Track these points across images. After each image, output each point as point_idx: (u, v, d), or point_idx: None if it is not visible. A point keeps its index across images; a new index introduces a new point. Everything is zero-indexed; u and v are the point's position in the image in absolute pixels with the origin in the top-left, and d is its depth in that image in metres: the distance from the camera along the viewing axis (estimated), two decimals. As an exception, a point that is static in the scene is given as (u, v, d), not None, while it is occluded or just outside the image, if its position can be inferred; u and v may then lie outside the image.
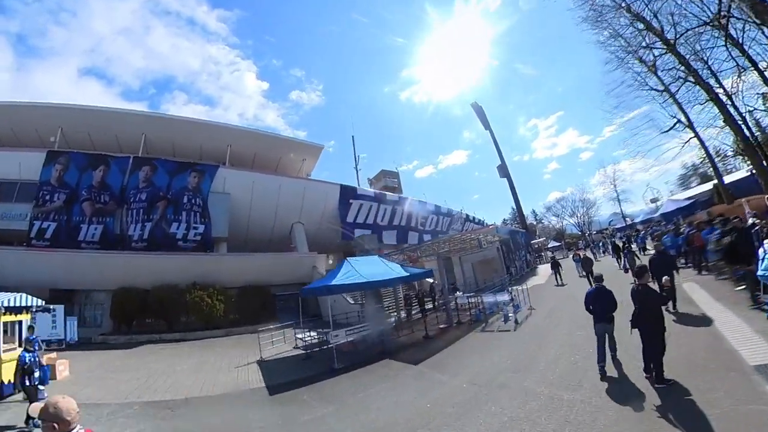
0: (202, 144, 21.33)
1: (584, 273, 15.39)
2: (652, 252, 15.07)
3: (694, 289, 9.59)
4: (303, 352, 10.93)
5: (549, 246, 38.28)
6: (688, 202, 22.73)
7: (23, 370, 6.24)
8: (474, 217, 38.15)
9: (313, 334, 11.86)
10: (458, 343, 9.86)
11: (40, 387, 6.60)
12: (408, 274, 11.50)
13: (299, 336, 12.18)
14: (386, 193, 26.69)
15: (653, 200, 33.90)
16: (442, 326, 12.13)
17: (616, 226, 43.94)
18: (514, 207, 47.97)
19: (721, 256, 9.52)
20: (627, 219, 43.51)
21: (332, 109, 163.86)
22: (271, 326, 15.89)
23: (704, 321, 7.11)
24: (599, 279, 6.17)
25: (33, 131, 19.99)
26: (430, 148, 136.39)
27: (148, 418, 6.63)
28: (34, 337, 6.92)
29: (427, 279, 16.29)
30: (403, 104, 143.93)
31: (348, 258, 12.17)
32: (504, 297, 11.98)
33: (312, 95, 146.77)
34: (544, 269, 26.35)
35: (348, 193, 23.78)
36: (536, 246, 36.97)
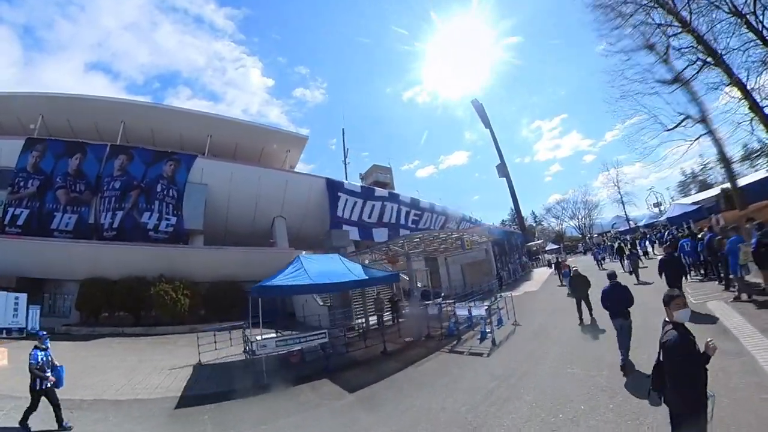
0: (182, 133, 20.82)
1: (575, 298, 9.62)
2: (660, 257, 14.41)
3: (726, 313, 7.31)
4: (249, 357, 10.13)
5: (547, 249, 36.62)
6: (695, 207, 21.05)
7: (36, 371, 5.54)
8: (471, 217, 36.74)
9: (272, 336, 11.09)
10: (415, 366, 8.35)
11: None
12: (366, 277, 10.49)
13: (257, 338, 11.40)
14: (375, 188, 25.69)
15: (656, 204, 32.18)
16: (408, 339, 10.78)
17: (620, 229, 42.80)
18: (513, 208, 46.54)
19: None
20: (630, 222, 42.29)
21: (336, 108, 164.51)
22: (238, 324, 15.46)
23: (752, 366, 4.89)
24: (613, 276, 6.35)
25: (15, 119, 19.87)
26: (432, 148, 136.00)
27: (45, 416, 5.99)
28: (43, 333, 6.15)
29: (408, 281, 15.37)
30: (405, 104, 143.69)
31: (301, 255, 11.32)
32: (480, 311, 10.32)
33: (316, 93, 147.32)
34: (540, 273, 24.95)
35: (335, 187, 22.93)
36: (534, 248, 35.36)
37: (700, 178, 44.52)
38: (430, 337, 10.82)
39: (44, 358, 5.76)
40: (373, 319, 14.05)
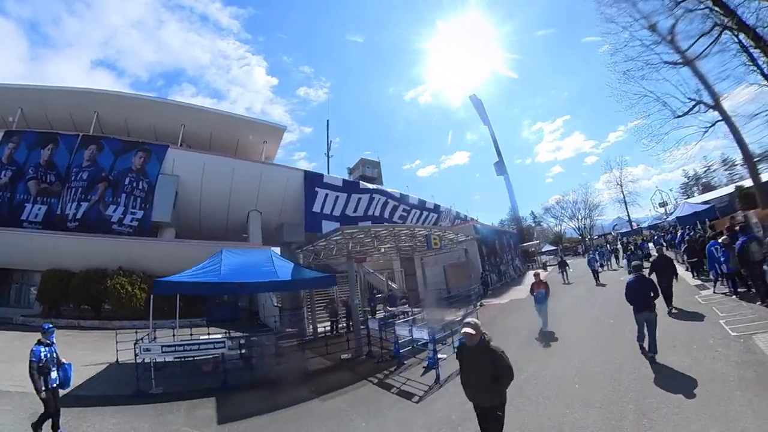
0: (155, 123, 20.37)
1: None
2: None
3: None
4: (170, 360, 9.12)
5: (543, 250, 34.02)
6: (706, 206, 18.37)
7: (38, 368, 4.80)
8: (466, 216, 34.63)
9: (204, 337, 10.10)
10: (323, 400, 6.63)
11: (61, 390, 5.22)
12: (290, 278, 9.22)
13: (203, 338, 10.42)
14: (359, 182, 24.35)
15: (662, 204, 29.17)
16: (344, 356, 9.38)
17: (621, 231, 40.50)
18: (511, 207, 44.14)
19: None
20: (633, 224, 39.83)
21: (339, 107, 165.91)
22: (197, 322, 14.72)
23: None
24: (638, 268, 6.19)
25: (-4, 112, 20.05)
26: (433, 148, 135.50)
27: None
28: (48, 325, 5.33)
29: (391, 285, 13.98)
30: (407, 104, 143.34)
31: (226, 249, 10.22)
32: (422, 333, 7.87)
33: (320, 92, 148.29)
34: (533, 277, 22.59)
35: (313, 181, 21.81)
36: (532, 250, 32.87)
37: (704, 180, 42.00)
38: (370, 357, 9.23)
39: (48, 355, 4.97)
40: (328, 326, 12.84)
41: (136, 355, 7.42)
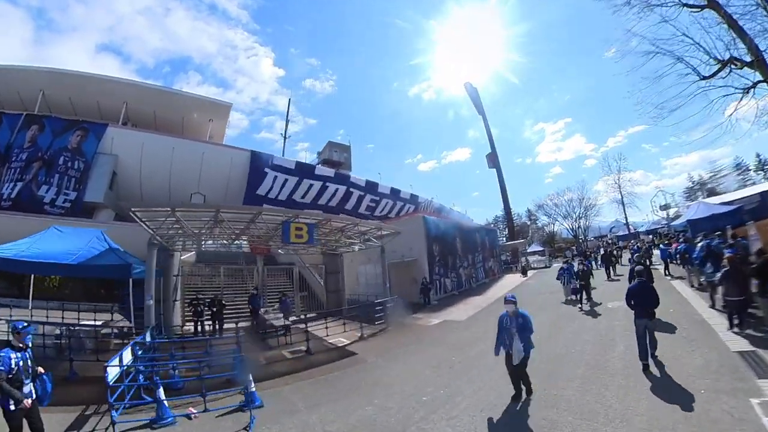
0: (99, 101, 19.93)
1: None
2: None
3: None
4: None
5: (528, 250, 30.70)
6: (732, 208, 14.25)
7: (8, 380, 3.57)
8: (451, 208, 32.16)
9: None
10: None
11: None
12: (76, 263, 7.93)
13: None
14: (315, 166, 22.83)
15: (663, 207, 26.65)
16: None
17: (618, 234, 38.33)
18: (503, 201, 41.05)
19: None
20: (630, 227, 38.02)
21: (344, 100, 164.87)
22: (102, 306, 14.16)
23: None
24: (641, 273, 6.57)
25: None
26: (435, 143, 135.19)
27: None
28: (22, 323, 4.01)
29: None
30: (411, 99, 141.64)
31: (57, 226, 9.23)
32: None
33: (325, 84, 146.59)
34: (505, 284, 19.78)
35: (261, 162, 20.64)
36: (522, 250, 29.71)
37: (709, 186, 38.22)
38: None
39: (19, 363, 3.70)
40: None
41: None
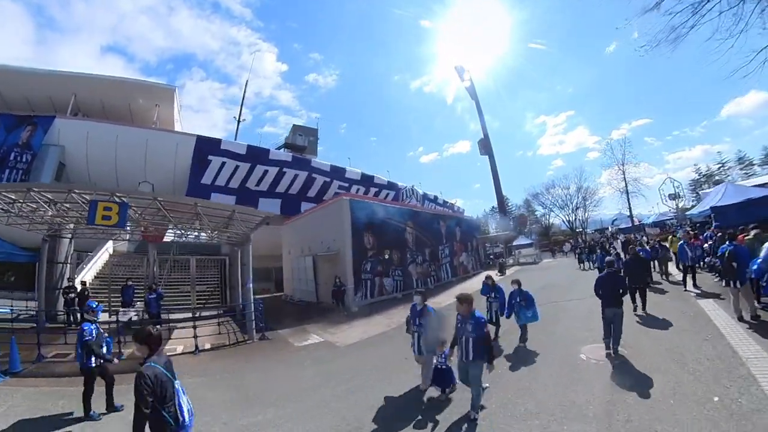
0: (51, 95, 19.97)
1: None
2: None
3: None
4: None
5: (516, 244, 27.24)
6: None
7: (87, 346, 4.82)
8: (438, 198, 29.21)
9: None
10: None
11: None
12: None
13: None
14: (269, 150, 21.31)
15: (672, 196, 23.16)
16: None
17: (620, 226, 36.23)
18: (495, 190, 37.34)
19: None
20: (635, 219, 35.04)
21: (347, 94, 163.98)
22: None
23: None
24: (611, 264, 6.29)
25: None
26: (436, 136, 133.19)
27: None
28: (93, 302, 5.50)
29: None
30: (412, 93, 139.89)
31: None
32: None
33: (328, 79, 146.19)
34: (471, 284, 16.70)
35: (207, 148, 19.58)
36: (510, 244, 26.42)
37: (717, 178, 36.54)
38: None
39: (96, 332, 5.04)
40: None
41: None
